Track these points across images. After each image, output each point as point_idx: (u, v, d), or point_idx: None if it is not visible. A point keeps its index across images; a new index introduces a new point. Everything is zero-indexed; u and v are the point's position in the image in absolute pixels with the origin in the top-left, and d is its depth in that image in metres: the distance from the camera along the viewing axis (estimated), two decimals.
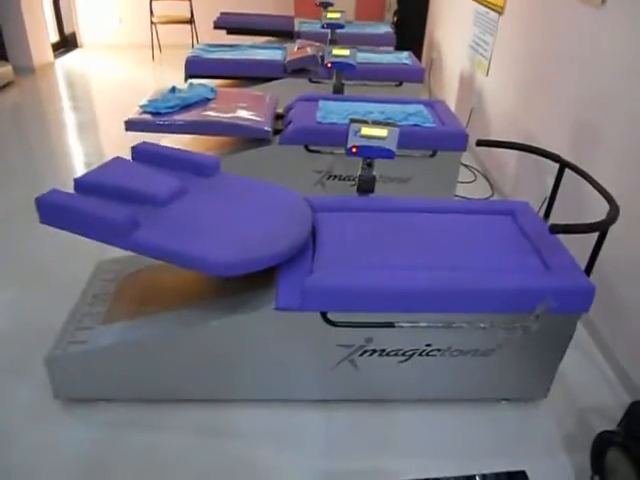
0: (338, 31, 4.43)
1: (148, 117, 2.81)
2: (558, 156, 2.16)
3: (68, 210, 1.72)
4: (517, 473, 1.09)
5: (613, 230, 1.81)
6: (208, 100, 3.09)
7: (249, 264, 1.69)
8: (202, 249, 1.67)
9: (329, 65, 3.35)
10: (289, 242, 1.78)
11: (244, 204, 2.00)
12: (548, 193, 2.23)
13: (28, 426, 1.85)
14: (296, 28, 5.08)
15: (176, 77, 5.43)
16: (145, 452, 1.78)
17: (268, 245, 1.75)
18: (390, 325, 1.78)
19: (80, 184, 1.88)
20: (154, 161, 2.16)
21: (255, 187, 2.14)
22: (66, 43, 6.76)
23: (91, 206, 1.73)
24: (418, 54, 5.74)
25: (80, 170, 3.70)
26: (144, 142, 2.22)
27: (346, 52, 3.29)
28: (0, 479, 1.68)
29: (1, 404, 1.93)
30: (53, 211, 1.73)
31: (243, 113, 2.95)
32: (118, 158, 2.09)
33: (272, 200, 2.05)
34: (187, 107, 2.97)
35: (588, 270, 1.85)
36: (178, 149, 2.27)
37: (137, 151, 2.19)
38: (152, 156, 2.17)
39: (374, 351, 1.84)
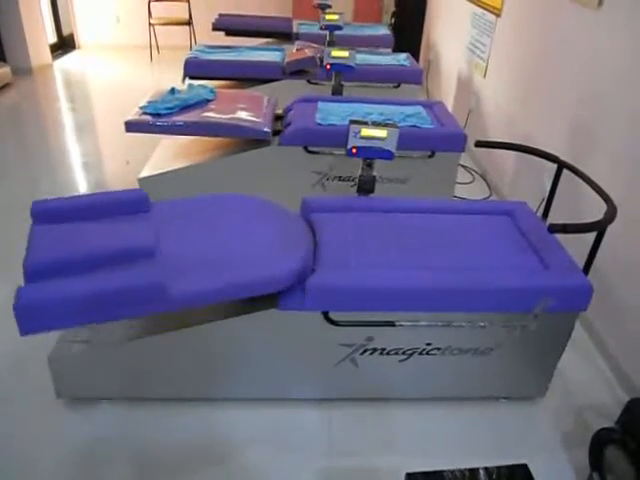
0: (336, 33, 4.45)
1: (147, 118, 2.81)
2: (556, 157, 2.18)
3: (63, 302, 1.40)
4: (519, 466, 1.10)
5: (610, 230, 1.83)
6: (207, 101, 3.10)
7: (305, 270, 1.75)
8: (267, 268, 1.68)
9: (328, 67, 3.36)
10: (308, 237, 1.96)
11: (227, 224, 1.96)
12: (546, 194, 2.25)
13: (30, 425, 1.86)
14: (294, 30, 5.09)
15: (174, 78, 5.41)
16: (146, 451, 1.79)
17: (300, 249, 1.82)
18: (391, 324, 1.80)
19: (35, 271, 1.51)
20: (66, 216, 1.79)
21: (210, 204, 2.04)
22: (64, 44, 6.76)
23: (100, 283, 1.47)
24: (416, 56, 5.77)
25: (78, 171, 3.70)
26: (40, 201, 1.81)
27: (345, 54, 3.30)
28: (1, 477, 1.69)
29: (3, 403, 1.94)
30: (41, 312, 1.41)
31: (242, 114, 2.96)
32: (37, 226, 1.74)
33: (243, 211, 2.04)
34: (186, 108, 2.97)
35: (586, 269, 1.87)
36: (82, 195, 1.95)
37: (41, 212, 1.77)
38: (62, 212, 1.79)
39: (375, 350, 1.86)
